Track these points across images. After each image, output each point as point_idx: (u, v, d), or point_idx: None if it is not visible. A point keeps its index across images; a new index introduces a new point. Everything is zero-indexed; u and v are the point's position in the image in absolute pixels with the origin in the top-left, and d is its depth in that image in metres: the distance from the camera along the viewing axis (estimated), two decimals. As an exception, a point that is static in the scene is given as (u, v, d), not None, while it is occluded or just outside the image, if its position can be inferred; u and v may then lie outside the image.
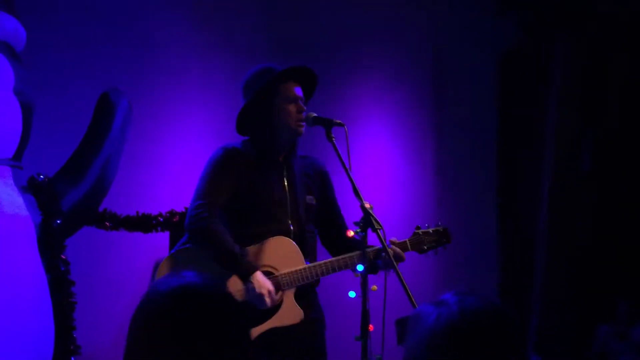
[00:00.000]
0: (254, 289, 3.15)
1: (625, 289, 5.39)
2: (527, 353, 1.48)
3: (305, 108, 3.37)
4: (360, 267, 2.94)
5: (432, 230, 3.48)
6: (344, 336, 3.38)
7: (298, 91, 3.39)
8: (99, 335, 3.84)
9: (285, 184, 3.36)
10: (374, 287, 3.09)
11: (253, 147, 3.38)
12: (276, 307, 3.25)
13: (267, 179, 3.33)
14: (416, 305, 2.58)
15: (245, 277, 3.16)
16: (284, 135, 3.36)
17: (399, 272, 2.85)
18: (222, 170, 3.31)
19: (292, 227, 3.33)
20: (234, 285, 3.21)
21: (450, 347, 1.40)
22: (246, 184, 3.30)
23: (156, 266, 4.21)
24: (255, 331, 3.21)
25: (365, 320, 2.85)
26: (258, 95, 3.35)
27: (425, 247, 3.46)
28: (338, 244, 3.45)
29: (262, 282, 3.16)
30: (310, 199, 3.44)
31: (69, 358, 3.10)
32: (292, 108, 3.35)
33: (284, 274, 3.26)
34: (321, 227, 3.49)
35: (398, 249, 3.35)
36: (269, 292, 3.16)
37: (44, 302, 3.00)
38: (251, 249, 3.26)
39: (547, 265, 5.51)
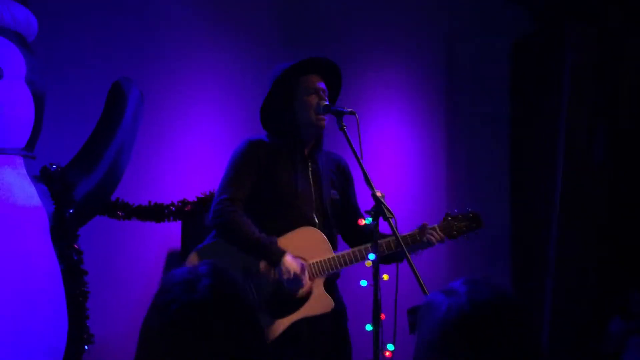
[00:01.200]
0: (286, 271, 3.15)
1: (638, 280, 5.37)
2: (540, 343, 1.47)
3: (327, 100, 3.35)
4: (371, 256, 2.94)
5: (462, 216, 3.48)
6: (356, 325, 3.39)
7: (320, 84, 3.37)
8: (111, 324, 3.85)
9: (311, 177, 3.37)
10: (386, 276, 3.10)
11: (278, 140, 3.37)
12: (306, 296, 3.26)
13: (293, 173, 3.33)
14: (428, 294, 2.58)
15: (276, 262, 3.17)
16: (306, 128, 3.35)
17: (412, 263, 2.84)
18: (246, 163, 3.31)
19: (317, 220, 3.34)
20: (266, 273, 3.21)
21: (461, 337, 1.40)
22: (271, 177, 3.30)
23: (169, 255, 4.23)
24: (287, 321, 3.23)
25: (377, 309, 2.85)
26: (278, 88, 3.35)
27: (455, 233, 3.46)
28: (356, 238, 3.46)
29: (292, 264, 3.17)
30: (334, 193, 3.45)
31: (82, 347, 3.12)
32: (312, 100, 3.33)
33: (314, 263, 3.27)
34: (342, 224, 3.49)
35: (440, 234, 3.35)
36: (302, 271, 3.17)
37: (56, 291, 3.02)
38: (280, 239, 3.26)
39: (560, 256, 5.50)
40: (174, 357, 1.47)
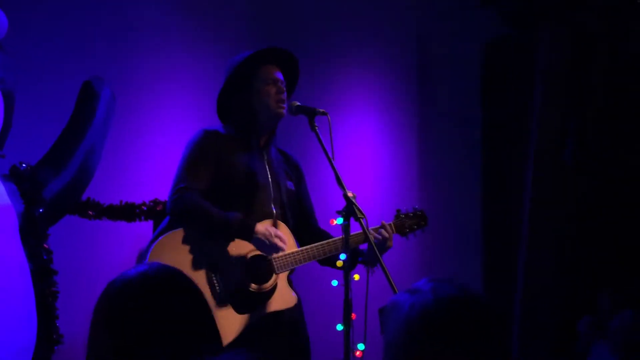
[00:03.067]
0: (263, 240, 3.14)
1: (608, 280, 5.42)
2: (506, 340, 1.48)
3: (284, 89, 3.37)
4: (342, 256, 2.95)
5: (412, 214, 3.51)
6: (326, 325, 3.39)
7: (277, 74, 3.38)
8: (81, 324, 3.81)
9: (267, 168, 3.36)
10: (357, 276, 3.11)
11: (234, 130, 3.36)
12: (271, 291, 3.25)
13: (249, 163, 3.31)
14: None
15: (249, 235, 3.15)
16: (264, 117, 3.35)
17: (382, 261, 2.85)
18: (202, 152, 3.27)
19: (275, 211, 3.32)
20: (237, 249, 3.19)
21: (426, 335, 1.41)
22: (227, 167, 3.27)
23: (140, 255, 4.21)
24: (252, 316, 3.21)
25: (347, 309, 2.86)
26: (236, 78, 3.34)
27: (407, 230, 3.49)
28: (307, 235, 3.45)
29: (267, 230, 3.15)
30: (290, 184, 3.44)
31: (52, 347, 3.10)
32: (271, 89, 3.34)
33: (278, 257, 3.25)
34: (296, 223, 3.48)
35: (387, 231, 3.36)
36: (277, 235, 3.17)
37: (26, 291, 3.00)
38: None
39: (530, 255, 5.54)
40: (117, 331, 1.50)
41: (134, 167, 4.28)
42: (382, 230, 3.36)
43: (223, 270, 3.19)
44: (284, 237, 3.21)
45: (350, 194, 2.91)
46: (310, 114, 3.16)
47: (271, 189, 3.33)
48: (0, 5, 3.16)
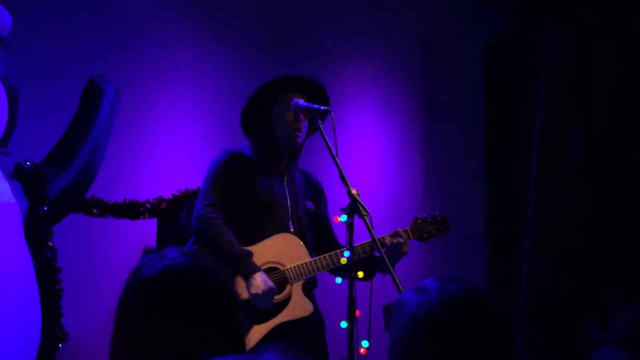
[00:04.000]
0: (256, 287, 3.18)
1: (612, 281, 5.41)
2: (511, 339, 1.48)
3: (302, 119, 3.37)
4: (346, 254, 2.95)
5: (431, 219, 3.51)
6: (331, 322, 3.40)
7: (299, 101, 3.39)
8: (86, 322, 3.84)
9: (286, 188, 3.41)
10: (361, 274, 3.11)
11: (256, 152, 3.42)
12: (285, 301, 3.29)
13: (269, 183, 3.38)
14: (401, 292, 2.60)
15: (247, 276, 3.20)
16: (283, 142, 3.39)
17: (387, 260, 2.86)
18: (226, 172, 3.37)
19: (292, 229, 3.36)
20: (240, 283, 3.24)
21: (432, 334, 1.41)
22: (248, 186, 3.36)
23: (144, 253, 4.22)
24: (267, 326, 3.25)
25: (352, 306, 2.87)
26: (257, 102, 3.39)
27: (426, 235, 3.49)
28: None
29: (262, 281, 3.19)
30: (309, 204, 3.48)
31: (57, 345, 3.11)
32: (289, 117, 3.36)
33: (291, 268, 3.30)
34: (316, 236, 3.52)
35: (402, 237, 3.37)
36: (269, 290, 3.19)
37: (30, 289, 3.00)
38: (257, 246, 3.30)
39: (535, 256, 5.53)
40: (147, 329, 1.49)
41: (137, 165, 4.29)
42: (397, 237, 3.37)
43: (236, 285, 3.23)
44: (273, 297, 3.23)
45: (354, 191, 2.92)
46: (314, 112, 3.17)
47: (289, 208, 3.38)
48: (4, 3, 3.16)
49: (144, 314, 1.51)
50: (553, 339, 5.51)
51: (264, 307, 3.21)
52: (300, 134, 3.38)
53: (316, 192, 3.58)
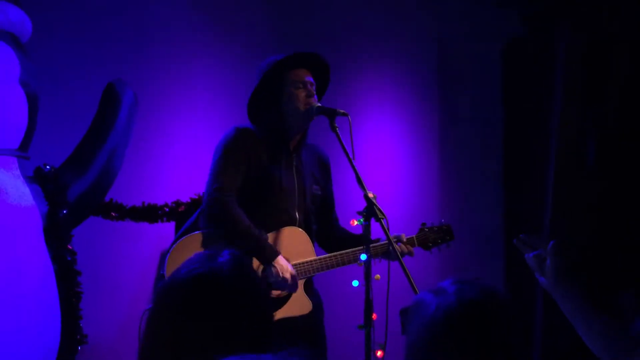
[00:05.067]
0: (277, 273, 3.16)
1: (629, 284, 5.39)
2: (528, 346, 1.49)
3: (314, 92, 3.38)
4: (363, 257, 2.96)
5: (437, 228, 3.51)
6: (347, 325, 3.40)
7: (308, 77, 3.39)
8: (105, 324, 3.86)
9: (295, 173, 3.38)
10: (377, 277, 3.12)
11: (265, 133, 3.38)
12: (286, 297, 3.28)
13: (277, 167, 3.34)
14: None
15: (268, 261, 3.17)
16: (294, 121, 3.37)
17: (403, 263, 2.87)
18: (237, 150, 3.30)
19: (298, 217, 3.35)
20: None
21: (450, 336, 1.42)
22: (257, 169, 3.30)
23: (162, 256, 4.24)
24: None
25: (368, 308, 2.87)
26: (266, 82, 3.36)
27: (430, 244, 3.49)
28: (329, 238, 3.47)
29: (285, 266, 3.18)
30: (316, 189, 3.46)
31: (76, 347, 3.13)
32: (300, 92, 3.36)
33: (298, 264, 3.28)
34: (317, 220, 3.51)
35: (409, 247, 3.37)
36: (292, 276, 3.19)
37: (50, 292, 3.02)
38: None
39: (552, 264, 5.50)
40: (185, 330, 1.48)
41: (156, 169, 4.31)
42: (401, 245, 3.36)
43: None
44: (297, 282, 3.22)
45: (370, 195, 2.93)
46: (331, 114, 3.18)
47: (296, 196, 3.36)
48: (25, 9, 3.20)
49: (183, 313, 1.51)
50: (571, 340, 5.48)
51: (286, 290, 3.20)
52: (312, 103, 3.34)
53: (323, 170, 3.53)
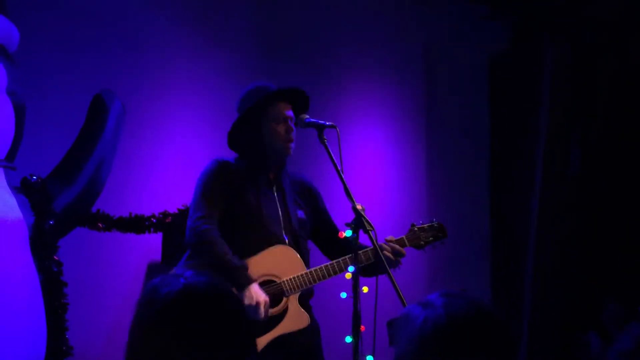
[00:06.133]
0: (249, 298, 3.17)
1: (616, 288, 5.43)
2: (516, 355, 1.49)
3: (293, 128, 3.40)
4: (351, 269, 2.96)
5: (427, 226, 3.50)
6: (335, 337, 3.40)
7: (288, 112, 3.42)
8: (91, 336, 3.84)
9: (277, 200, 3.41)
10: (365, 288, 3.11)
11: (244, 163, 3.42)
12: (282, 313, 3.28)
13: (259, 196, 3.37)
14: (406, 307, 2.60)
15: (241, 288, 3.19)
16: (272, 154, 3.40)
17: (391, 275, 2.87)
18: (217, 182, 3.35)
19: (287, 239, 3.36)
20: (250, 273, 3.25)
21: (438, 350, 1.42)
22: (238, 198, 3.35)
23: (149, 267, 4.22)
24: (265, 339, 3.25)
25: (356, 320, 2.87)
26: (247, 114, 3.39)
27: (423, 243, 3.48)
28: (336, 249, 3.48)
29: (255, 293, 3.19)
30: (300, 213, 3.48)
31: (61, 359, 3.11)
32: (280, 128, 3.39)
33: (287, 280, 3.29)
34: (319, 238, 3.53)
35: (397, 246, 3.37)
36: (263, 303, 3.19)
37: (36, 302, 3.01)
38: (253, 259, 3.29)
39: (537, 265, 5.55)
40: (167, 347, 1.47)
41: (143, 179, 4.30)
42: (390, 244, 3.36)
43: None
44: (266, 309, 3.23)
45: (359, 207, 2.92)
46: (320, 127, 3.18)
47: (281, 220, 3.38)
48: (12, 19, 3.19)
49: (165, 333, 1.49)
50: (557, 348, 5.51)
51: (256, 319, 3.20)
52: (292, 144, 3.40)
53: (308, 196, 3.55)
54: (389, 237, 3.40)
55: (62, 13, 4.08)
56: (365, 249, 3.26)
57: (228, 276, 3.19)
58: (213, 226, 3.27)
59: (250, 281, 3.20)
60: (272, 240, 3.34)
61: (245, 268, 3.24)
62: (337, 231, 3.52)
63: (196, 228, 3.25)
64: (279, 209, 3.40)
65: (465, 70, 5.72)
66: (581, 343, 5.17)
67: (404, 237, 3.44)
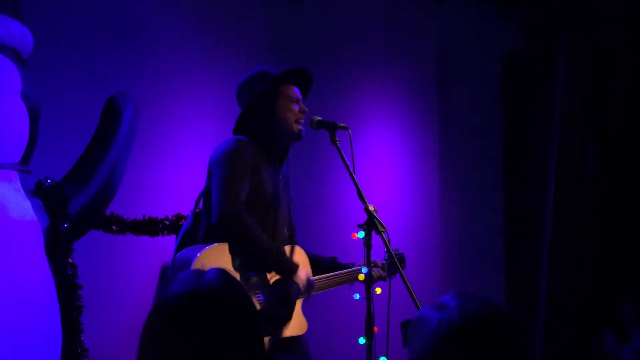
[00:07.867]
0: (300, 282, 3.17)
1: (630, 292, 5.40)
2: (530, 356, 1.49)
3: (306, 109, 3.39)
4: (364, 270, 2.96)
5: (397, 256, 3.49)
6: (348, 338, 3.40)
7: (299, 94, 3.41)
8: (106, 338, 3.86)
9: (282, 187, 3.38)
10: (378, 290, 3.12)
11: (259, 144, 3.36)
12: (289, 316, 3.27)
13: (273, 181, 3.33)
14: (420, 308, 2.60)
15: (289, 275, 3.16)
16: (284, 137, 3.37)
17: (404, 276, 2.87)
18: (242, 162, 3.21)
19: (286, 233, 3.36)
20: (257, 289, 3.18)
21: (453, 351, 1.42)
22: (257, 182, 3.25)
23: (163, 269, 4.24)
24: (270, 340, 3.23)
25: (369, 322, 2.87)
26: (259, 98, 3.35)
27: (392, 271, 3.44)
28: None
29: (307, 275, 3.20)
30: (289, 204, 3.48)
31: (77, 361, 3.12)
32: (294, 107, 3.37)
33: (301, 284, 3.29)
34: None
35: (382, 272, 3.38)
36: (312, 286, 3.22)
37: (51, 305, 3.02)
38: None
39: (552, 267, 5.54)
40: (176, 346, 1.48)
41: (156, 182, 4.31)
42: (378, 269, 3.37)
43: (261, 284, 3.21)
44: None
45: (371, 208, 2.93)
46: (332, 128, 3.18)
47: (285, 211, 3.36)
48: (27, 24, 3.21)
49: (180, 332, 1.50)
50: (572, 348, 5.49)
51: (306, 298, 3.22)
52: (301, 126, 3.37)
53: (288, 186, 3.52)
54: (376, 261, 3.39)
55: (77, 17, 4.10)
56: (350, 269, 3.29)
57: (272, 263, 3.13)
58: (243, 208, 3.12)
59: (296, 267, 3.19)
60: (274, 233, 3.27)
61: (288, 255, 3.22)
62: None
63: (229, 212, 3.08)
64: (283, 197, 3.37)
65: (479, 70, 5.71)
66: (596, 343, 5.16)
67: (384, 263, 3.42)
